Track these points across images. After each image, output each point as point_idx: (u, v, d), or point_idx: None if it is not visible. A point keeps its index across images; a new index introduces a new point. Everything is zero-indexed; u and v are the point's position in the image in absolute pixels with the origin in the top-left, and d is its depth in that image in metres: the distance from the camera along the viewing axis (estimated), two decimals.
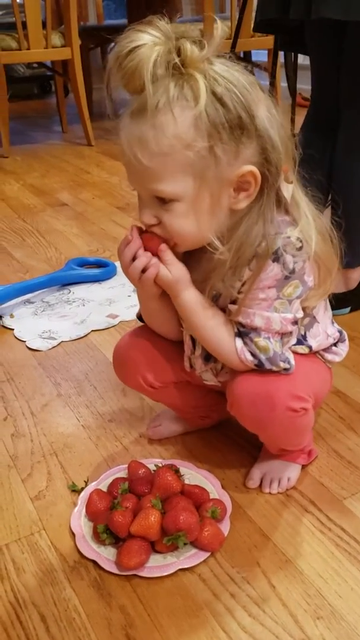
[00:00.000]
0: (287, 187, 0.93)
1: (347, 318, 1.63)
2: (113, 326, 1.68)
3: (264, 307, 0.94)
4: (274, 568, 0.96)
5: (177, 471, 1.07)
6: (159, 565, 0.96)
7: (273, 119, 0.87)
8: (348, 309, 1.66)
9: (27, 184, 3.03)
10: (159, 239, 0.93)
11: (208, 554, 0.98)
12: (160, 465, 1.09)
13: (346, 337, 1.13)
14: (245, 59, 3.54)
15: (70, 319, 1.74)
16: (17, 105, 5.15)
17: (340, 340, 1.12)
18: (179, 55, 0.80)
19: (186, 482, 1.07)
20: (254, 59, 3.84)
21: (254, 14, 2.02)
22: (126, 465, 1.13)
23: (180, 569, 0.96)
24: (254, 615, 0.89)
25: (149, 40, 0.80)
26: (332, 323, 1.11)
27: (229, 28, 3.15)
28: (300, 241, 0.91)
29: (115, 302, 1.81)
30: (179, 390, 1.17)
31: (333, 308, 1.11)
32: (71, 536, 1.03)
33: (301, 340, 1.04)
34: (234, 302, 0.97)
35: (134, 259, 0.94)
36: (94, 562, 0.98)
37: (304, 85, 2.11)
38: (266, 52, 3.48)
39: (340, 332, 1.12)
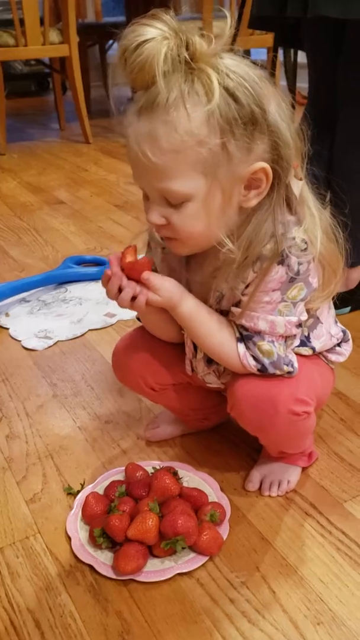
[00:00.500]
0: (295, 184, 0.91)
1: (347, 318, 1.61)
2: (110, 325, 1.66)
3: (268, 311, 0.92)
4: (274, 573, 0.95)
5: (175, 474, 1.06)
6: (156, 569, 0.95)
7: (283, 113, 0.85)
8: (348, 309, 1.65)
9: (24, 182, 3.01)
10: (141, 266, 0.90)
11: (206, 559, 0.96)
12: (158, 467, 1.08)
13: (350, 336, 1.12)
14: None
15: (67, 318, 1.72)
16: (14, 102, 5.14)
17: (344, 340, 1.10)
18: (187, 49, 0.78)
19: (184, 484, 1.06)
20: (252, 57, 3.82)
21: None
22: (123, 468, 1.11)
23: (178, 574, 0.94)
24: (253, 621, 0.88)
25: (157, 34, 0.77)
26: (336, 322, 1.09)
27: (227, 27, 3.12)
28: (305, 242, 0.89)
29: (112, 301, 1.78)
30: (179, 393, 1.16)
31: (334, 308, 1.10)
32: (67, 540, 1.02)
33: (305, 342, 1.02)
34: (236, 304, 0.95)
35: (119, 289, 0.91)
36: (90, 567, 0.96)
37: (303, 84, 2.10)
38: (265, 50, 3.48)
39: (344, 331, 1.11)
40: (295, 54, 2.94)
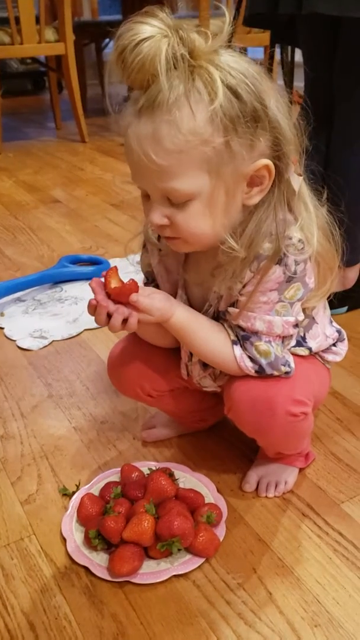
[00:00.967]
0: (294, 180, 0.90)
1: (344, 317, 1.61)
2: None
3: (266, 311, 0.92)
4: (271, 574, 0.94)
5: (171, 475, 1.05)
6: (152, 571, 0.94)
7: (282, 108, 0.85)
8: (345, 309, 1.64)
9: (20, 181, 3.00)
10: (128, 290, 0.89)
11: (203, 560, 0.96)
12: (154, 468, 1.07)
13: (345, 336, 1.11)
14: None
15: (62, 317, 1.71)
16: (10, 101, 5.13)
17: (340, 339, 1.10)
18: (185, 46, 0.76)
19: (181, 486, 1.05)
20: (249, 55, 3.81)
21: None
22: (119, 469, 1.10)
23: (174, 576, 0.94)
24: (249, 622, 0.87)
25: (154, 33, 0.75)
26: (331, 323, 1.09)
27: (224, 24, 3.12)
28: (302, 242, 0.88)
29: None
30: (176, 397, 1.15)
31: (331, 307, 1.09)
32: (62, 541, 1.01)
33: (301, 342, 1.02)
34: (233, 305, 0.95)
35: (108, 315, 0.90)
36: (86, 569, 0.96)
37: (300, 83, 2.09)
38: (262, 49, 3.47)
39: (339, 331, 1.10)
40: (292, 53, 2.93)
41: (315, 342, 1.03)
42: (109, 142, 3.68)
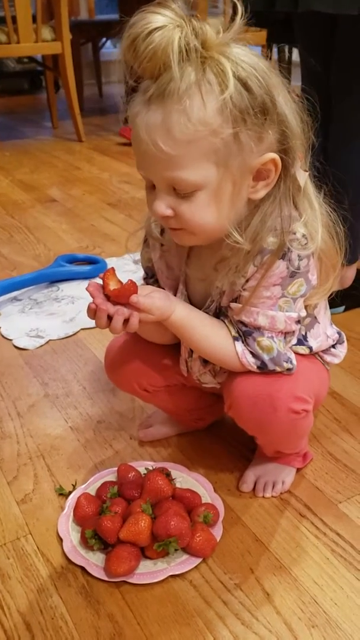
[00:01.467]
0: (300, 175, 0.90)
1: (341, 317, 1.60)
2: None
3: (269, 306, 0.91)
4: (268, 574, 0.94)
5: (168, 475, 1.04)
6: (149, 571, 0.94)
7: (290, 103, 0.85)
8: (342, 308, 1.64)
9: (16, 180, 2.99)
10: (127, 291, 0.88)
11: (200, 560, 0.95)
12: (150, 468, 1.06)
13: (345, 338, 1.11)
14: None
15: (59, 317, 1.71)
16: (7, 100, 5.13)
17: (339, 342, 1.10)
18: (197, 37, 0.76)
19: (177, 485, 1.05)
20: None
21: None
22: (115, 469, 1.10)
23: (171, 576, 0.93)
24: (246, 623, 0.87)
25: (167, 22, 0.75)
26: (331, 324, 1.08)
27: (222, 23, 3.12)
28: (306, 237, 0.88)
29: None
30: (172, 394, 1.14)
31: (329, 306, 1.09)
32: (58, 541, 1.00)
33: (302, 341, 1.01)
34: (234, 300, 0.94)
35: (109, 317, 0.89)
36: (82, 568, 0.95)
37: (297, 83, 2.09)
38: (259, 48, 3.47)
39: (339, 333, 1.10)
40: (290, 52, 2.93)
41: (316, 341, 1.03)
42: (105, 141, 3.67)
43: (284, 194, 0.87)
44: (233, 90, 0.77)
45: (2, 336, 1.62)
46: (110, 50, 5.54)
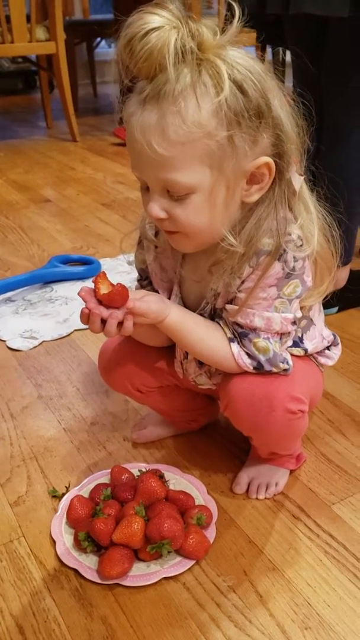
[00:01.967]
0: (296, 180, 0.90)
1: (334, 318, 1.60)
2: None
3: (264, 307, 0.91)
4: (261, 576, 0.94)
5: (161, 477, 1.04)
6: (142, 574, 0.93)
7: (285, 107, 0.85)
8: (336, 309, 1.64)
9: (10, 180, 2.99)
10: (119, 294, 0.88)
11: (193, 562, 0.95)
12: (144, 470, 1.06)
13: (339, 341, 1.11)
14: None
15: (53, 317, 1.71)
16: (1, 100, 5.12)
17: (334, 344, 1.10)
18: (193, 39, 0.76)
19: (171, 487, 1.05)
20: None
21: None
22: (109, 471, 1.10)
23: (164, 578, 0.93)
24: (240, 625, 0.87)
25: (164, 23, 0.75)
26: (325, 326, 1.08)
27: (217, 25, 3.12)
28: (301, 239, 0.88)
29: None
30: (165, 395, 1.14)
31: (323, 307, 1.09)
32: (52, 543, 1.00)
33: (297, 343, 1.01)
34: (230, 302, 0.94)
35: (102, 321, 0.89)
36: (75, 571, 0.95)
37: (290, 83, 2.10)
38: (253, 48, 3.47)
39: (334, 335, 1.10)
40: (284, 53, 2.93)
41: (311, 343, 1.03)
42: (100, 141, 3.67)
43: (279, 197, 0.87)
44: (228, 93, 0.77)
45: None
46: (105, 50, 5.54)
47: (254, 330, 0.93)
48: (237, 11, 0.81)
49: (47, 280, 1.91)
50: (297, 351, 1.01)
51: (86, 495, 1.05)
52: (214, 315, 0.98)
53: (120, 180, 2.88)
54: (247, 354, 0.94)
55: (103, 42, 5.16)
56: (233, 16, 0.81)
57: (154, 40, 0.75)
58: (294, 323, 0.95)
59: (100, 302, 0.88)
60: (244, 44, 0.84)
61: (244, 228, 0.87)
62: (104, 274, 0.90)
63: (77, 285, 1.87)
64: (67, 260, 2.01)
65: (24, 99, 5.27)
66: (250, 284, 0.90)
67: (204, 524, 0.98)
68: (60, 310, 1.74)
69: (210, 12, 3.59)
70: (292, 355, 0.99)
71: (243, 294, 0.91)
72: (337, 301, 1.63)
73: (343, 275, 1.64)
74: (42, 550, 0.99)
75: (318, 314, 1.05)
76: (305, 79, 1.55)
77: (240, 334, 0.94)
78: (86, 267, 1.95)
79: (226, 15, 0.83)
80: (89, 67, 4.99)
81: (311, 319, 1.03)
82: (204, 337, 0.95)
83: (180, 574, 0.94)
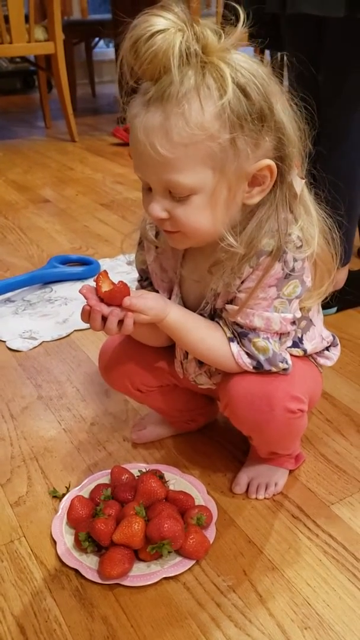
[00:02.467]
0: (297, 183, 0.90)
1: (333, 318, 1.61)
2: None
3: (264, 307, 0.92)
4: (261, 576, 0.94)
5: (161, 477, 1.05)
6: (142, 574, 0.94)
7: (287, 111, 0.85)
8: (334, 309, 1.64)
9: (9, 180, 2.99)
10: (120, 292, 0.88)
11: (193, 562, 0.96)
12: (144, 470, 1.06)
13: (338, 341, 1.12)
14: None
15: (52, 318, 1.71)
16: None
17: (333, 344, 1.10)
18: (198, 42, 0.77)
19: (171, 487, 1.05)
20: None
21: None
22: (109, 471, 1.10)
23: (165, 578, 0.94)
24: (240, 625, 0.87)
25: (169, 26, 0.76)
26: (324, 327, 1.09)
27: (215, 24, 3.12)
28: (300, 240, 0.89)
29: None
30: (165, 394, 1.15)
31: (322, 307, 1.10)
32: (52, 544, 1.00)
33: (297, 343, 1.02)
34: (230, 301, 0.95)
35: (103, 318, 0.90)
36: (76, 571, 0.95)
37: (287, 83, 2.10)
38: (252, 49, 3.47)
39: (333, 336, 1.10)
40: (281, 57, 2.92)
41: (311, 344, 1.04)
42: (99, 141, 3.67)
43: (281, 200, 0.88)
44: (232, 96, 0.78)
45: None
46: (103, 50, 5.54)
47: (254, 330, 0.93)
48: (242, 15, 0.82)
49: (47, 280, 1.92)
50: (297, 351, 1.02)
51: (86, 495, 1.06)
52: (214, 315, 0.98)
53: (119, 181, 2.89)
54: (247, 353, 0.94)
55: (101, 42, 5.16)
56: (237, 19, 0.82)
57: (159, 42, 0.75)
58: (293, 323, 0.96)
59: (101, 300, 0.89)
60: (247, 45, 0.84)
61: (245, 229, 0.88)
62: (106, 272, 0.90)
63: (77, 286, 1.88)
64: (66, 261, 2.02)
65: (23, 99, 5.27)
66: (250, 284, 0.91)
67: (204, 524, 0.98)
68: (59, 310, 1.75)
69: (209, 13, 3.60)
70: (291, 355, 1.00)
71: (243, 294, 0.92)
72: (335, 302, 1.63)
73: (342, 276, 1.64)
74: (42, 550, 1.00)
75: (317, 315, 1.05)
76: (303, 81, 1.56)
77: (240, 334, 0.94)
78: (85, 267, 1.95)
79: (229, 18, 0.83)
80: (88, 67, 4.99)
81: (310, 320, 1.03)
82: (204, 336, 0.96)
83: (180, 574, 0.94)
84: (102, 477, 1.11)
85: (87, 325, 0.91)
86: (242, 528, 1.02)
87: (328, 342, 1.08)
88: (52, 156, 3.40)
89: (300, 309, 0.97)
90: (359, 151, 1.54)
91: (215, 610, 0.89)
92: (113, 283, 0.90)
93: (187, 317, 0.96)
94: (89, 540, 0.96)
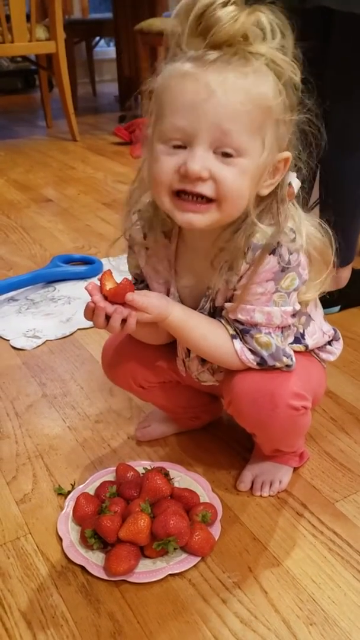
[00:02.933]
0: (294, 182, 0.91)
1: (337, 317, 1.61)
2: None
3: (264, 302, 0.92)
4: (266, 573, 0.94)
5: (166, 474, 1.05)
6: (148, 570, 0.94)
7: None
8: (338, 308, 1.65)
9: (11, 180, 2.99)
10: (123, 289, 0.89)
11: (198, 559, 0.96)
12: (149, 468, 1.07)
13: (340, 335, 1.12)
14: None
15: (56, 317, 1.71)
16: (0, 99, 5.11)
17: (335, 338, 1.11)
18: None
19: (176, 485, 1.06)
20: None
21: None
22: (114, 468, 1.11)
23: (170, 575, 0.94)
24: (245, 621, 0.88)
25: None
26: (325, 321, 1.09)
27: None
28: (293, 232, 0.90)
29: None
30: (168, 391, 1.15)
31: (324, 306, 1.10)
32: (58, 541, 1.01)
33: (299, 339, 1.02)
34: (229, 300, 0.95)
35: (107, 316, 0.90)
36: (82, 568, 0.96)
37: None
38: None
39: (334, 330, 1.11)
40: None
41: (312, 339, 1.04)
42: (100, 140, 3.68)
43: (281, 194, 0.89)
44: (286, 83, 0.82)
45: (0, 337, 1.63)
46: (104, 49, 5.54)
47: (255, 325, 0.94)
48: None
49: (50, 279, 1.92)
50: (298, 347, 1.02)
51: (92, 492, 1.06)
52: (214, 314, 0.99)
53: (120, 180, 2.89)
54: (250, 350, 0.95)
55: (102, 41, 5.16)
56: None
57: (238, 10, 0.77)
58: (293, 315, 0.96)
59: (105, 299, 0.89)
60: None
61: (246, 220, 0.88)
62: (110, 272, 0.91)
63: (80, 285, 1.88)
64: (69, 260, 2.02)
65: (24, 98, 5.27)
66: (246, 281, 0.91)
67: (209, 521, 0.99)
68: (63, 309, 1.75)
69: None
70: (293, 352, 1.00)
71: (240, 291, 0.92)
72: (339, 300, 1.64)
73: (345, 274, 1.64)
74: (48, 547, 1.00)
75: (315, 310, 1.06)
76: (310, 75, 1.55)
77: (242, 331, 0.95)
78: (88, 266, 1.96)
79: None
80: (88, 66, 5.00)
81: (309, 315, 1.03)
82: (207, 334, 0.96)
83: (186, 571, 0.95)
84: (107, 474, 1.12)
85: (90, 324, 0.92)
86: (246, 525, 1.03)
87: (329, 336, 1.09)
88: (54, 155, 3.41)
89: (300, 304, 0.98)
90: None
91: (220, 606, 0.90)
92: (117, 283, 0.90)
93: (189, 316, 0.97)
94: (95, 537, 0.96)
